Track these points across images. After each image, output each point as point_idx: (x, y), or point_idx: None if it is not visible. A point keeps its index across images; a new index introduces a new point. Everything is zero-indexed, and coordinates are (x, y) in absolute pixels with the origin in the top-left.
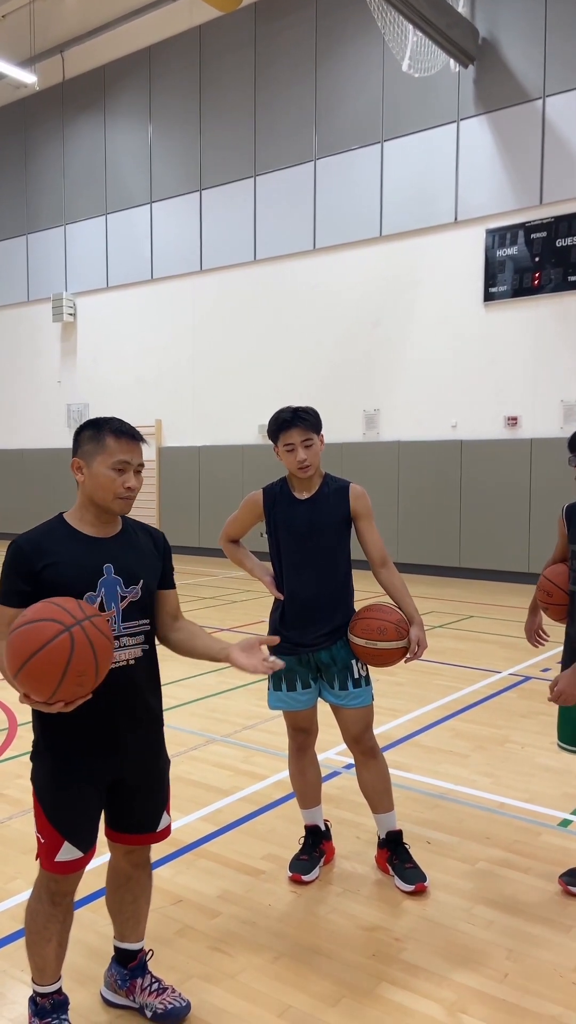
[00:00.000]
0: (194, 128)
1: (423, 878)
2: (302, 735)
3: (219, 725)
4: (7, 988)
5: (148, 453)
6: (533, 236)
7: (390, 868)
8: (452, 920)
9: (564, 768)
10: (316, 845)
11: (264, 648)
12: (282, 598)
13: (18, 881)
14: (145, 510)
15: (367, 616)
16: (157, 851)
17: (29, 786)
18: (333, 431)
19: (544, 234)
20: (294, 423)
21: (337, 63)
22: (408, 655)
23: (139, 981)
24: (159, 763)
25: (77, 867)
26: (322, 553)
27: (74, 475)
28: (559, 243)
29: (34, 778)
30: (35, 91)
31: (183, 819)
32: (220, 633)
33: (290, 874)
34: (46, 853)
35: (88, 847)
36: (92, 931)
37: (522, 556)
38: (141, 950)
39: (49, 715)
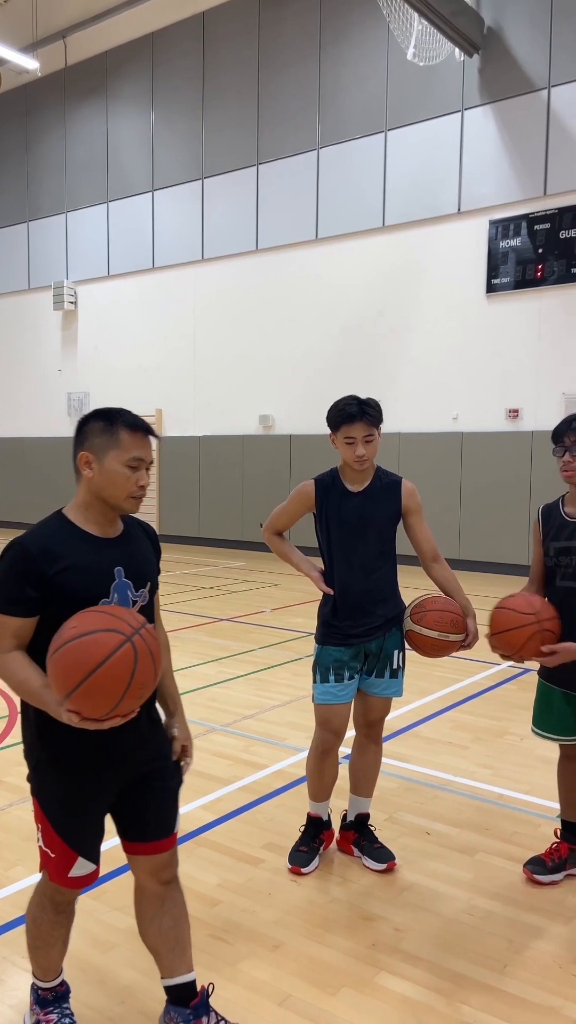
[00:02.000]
0: (197, 115)
1: (392, 857)
2: (332, 738)
3: (219, 714)
4: (8, 975)
5: (151, 456)
6: (536, 227)
7: (356, 849)
8: (452, 911)
9: None
10: (316, 835)
11: None
12: (331, 592)
13: (19, 868)
14: (146, 500)
15: (437, 608)
16: None
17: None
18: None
19: (548, 225)
20: (359, 417)
21: (341, 51)
22: (465, 645)
23: (205, 1020)
24: (170, 764)
25: (91, 880)
26: (373, 546)
27: (80, 470)
28: (563, 234)
29: (37, 792)
30: (37, 77)
31: (183, 807)
32: (219, 624)
33: (289, 866)
34: (56, 868)
35: (98, 859)
36: (94, 919)
37: (522, 548)
38: (196, 983)
39: (50, 727)
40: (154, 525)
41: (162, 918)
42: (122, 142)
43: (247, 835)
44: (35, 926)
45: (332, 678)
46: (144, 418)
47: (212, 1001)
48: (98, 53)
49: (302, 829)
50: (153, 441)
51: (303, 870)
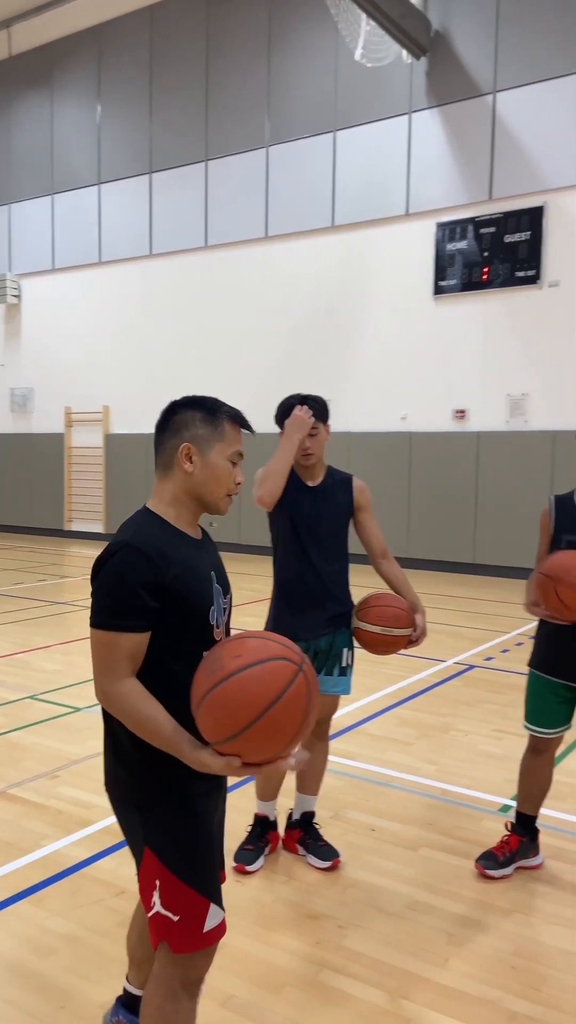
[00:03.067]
0: (144, 110)
1: (336, 854)
2: None
3: None
4: None
5: (96, 440)
6: (482, 231)
7: (301, 848)
8: (395, 907)
9: (505, 755)
10: (263, 835)
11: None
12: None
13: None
14: (90, 499)
15: (380, 604)
16: (99, 842)
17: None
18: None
19: (493, 229)
20: (301, 409)
21: (290, 49)
22: (412, 642)
23: None
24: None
25: (224, 930)
26: (326, 540)
27: (178, 463)
28: (507, 239)
29: (154, 839)
30: None
31: None
32: None
33: (235, 865)
34: (184, 931)
35: (223, 907)
36: (33, 924)
37: (468, 547)
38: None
39: (163, 755)
40: (100, 524)
41: None
42: (67, 134)
43: None
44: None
45: None
46: (90, 415)
47: None
48: (43, 44)
49: (249, 828)
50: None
51: (248, 868)
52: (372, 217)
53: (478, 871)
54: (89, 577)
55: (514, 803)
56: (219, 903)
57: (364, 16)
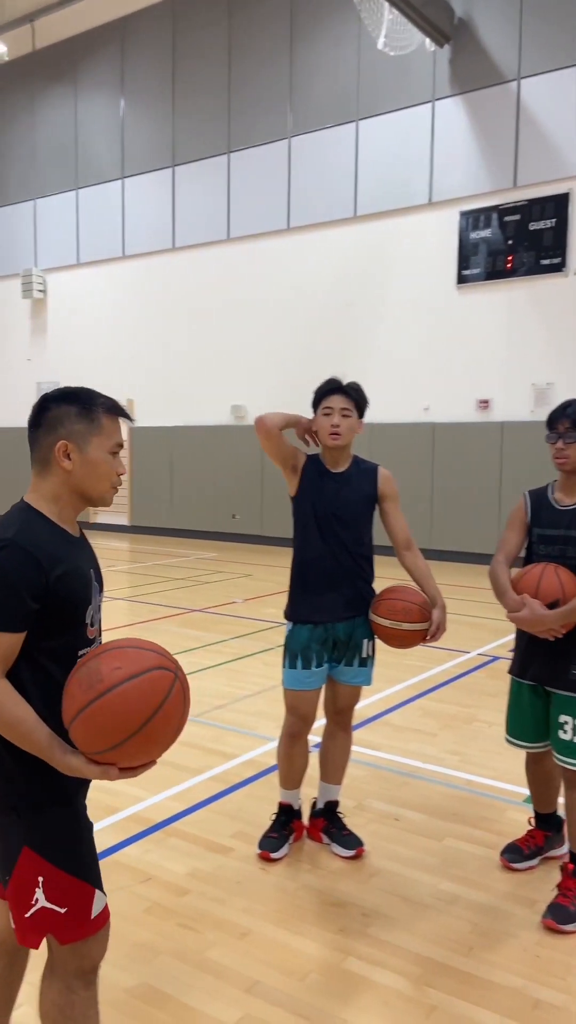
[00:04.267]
0: (167, 102)
1: (360, 843)
2: (300, 723)
3: (190, 705)
4: None
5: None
6: (506, 219)
7: (325, 837)
8: (419, 896)
9: None
10: (287, 823)
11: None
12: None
13: None
14: (118, 492)
15: (392, 597)
16: (126, 829)
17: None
18: (306, 412)
19: (517, 217)
20: (339, 390)
21: (312, 40)
22: (428, 637)
23: None
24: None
25: (108, 914)
26: (346, 527)
27: (55, 461)
28: (532, 226)
29: (33, 839)
30: (4, 61)
31: (152, 798)
32: (191, 615)
33: (259, 852)
34: (71, 920)
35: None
36: None
37: (492, 538)
38: None
39: (38, 760)
40: (125, 516)
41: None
42: (91, 128)
43: (217, 824)
44: (65, 1018)
45: (300, 664)
46: None
47: (176, 992)
48: (67, 37)
49: (273, 817)
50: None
51: (272, 855)
52: (394, 207)
53: (503, 864)
54: None
55: None
56: (101, 888)
57: (386, 4)
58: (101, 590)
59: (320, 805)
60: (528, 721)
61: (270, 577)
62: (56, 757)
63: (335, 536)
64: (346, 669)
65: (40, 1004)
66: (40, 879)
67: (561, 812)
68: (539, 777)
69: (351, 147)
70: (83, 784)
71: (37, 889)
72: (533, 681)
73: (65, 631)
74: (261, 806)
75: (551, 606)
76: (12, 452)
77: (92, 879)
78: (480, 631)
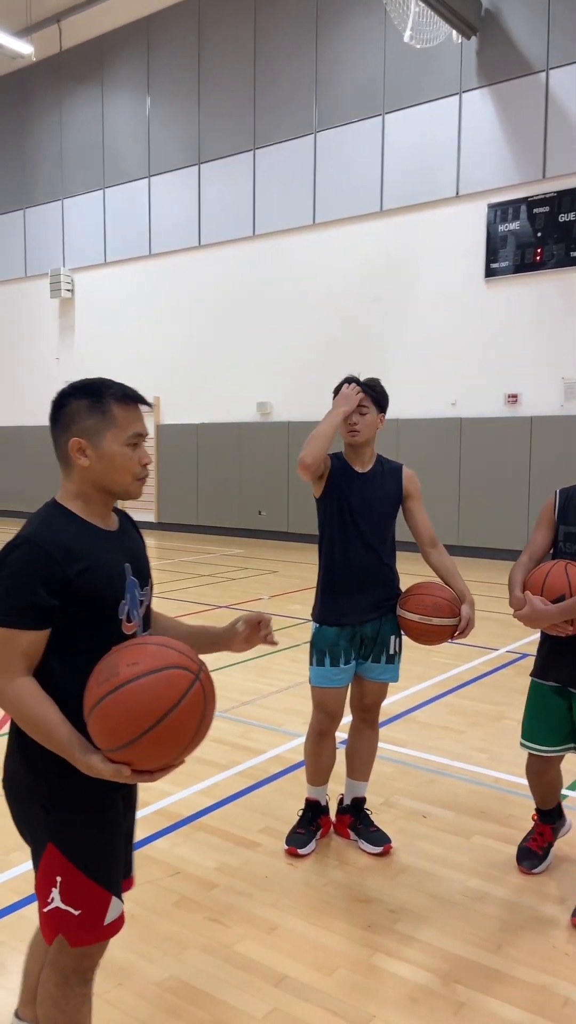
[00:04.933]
0: (193, 100)
1: (388, 840)
2: (327, 720)
3: (217, 701)
4: (7, 958)
5: (147, 430)
6: (535, 211)
7: (352, 833)
8: (447, 893)
9: None
10: (314, 819)
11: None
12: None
13: (17, 853)
14: (145, 489)
15: (421, 592)
16: (154, 824)
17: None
18: (329, 407)
19: (546, 209)
20: (356, 385)
21: (338, 34)
22: (457, 633)
23: None
24: (135, 797)
25: (123, 922)
26: (373, 526)
27: (72, 459)
28: (562, 218)
29: (57, 837)
30: (31, 62)
31: (181, 792)
32: (217, 611)
33: (286, 847)
34: (84, 924)
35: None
36: None
37: (521, 534)
38: None
39: (66, 760)
40: (152, 514)
41: None
42: (118, 128)
43: (244, 819)
44: (59, 1011)
45: (328, 661)
46: (144, 406)
47: (204, 985)
48: (93, 37)
49: (300, 813)
50: (144, 410)
51: (300, 851)
52: (421, 200)
53: (521, 872)
54: None
55: (570, 792)
56: (120, 896)
57: None
58: (144, 584)
59: (347, 801)
60: (548, 725)
61: (296, 574)
62: (76, 756)
63: (362, 537)
64: (373, 666)
65: (38, 993)
66: (58, 879)
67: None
68: (543, 782)
69: (377, 141)
70: (119, 787)
71: (54, 888)
72: (555, 683)
73: (96, 627)
74: (288, 802)
75: (557, 602)
76: (44, 450)
77: (110, 885)
78: (509, 628)
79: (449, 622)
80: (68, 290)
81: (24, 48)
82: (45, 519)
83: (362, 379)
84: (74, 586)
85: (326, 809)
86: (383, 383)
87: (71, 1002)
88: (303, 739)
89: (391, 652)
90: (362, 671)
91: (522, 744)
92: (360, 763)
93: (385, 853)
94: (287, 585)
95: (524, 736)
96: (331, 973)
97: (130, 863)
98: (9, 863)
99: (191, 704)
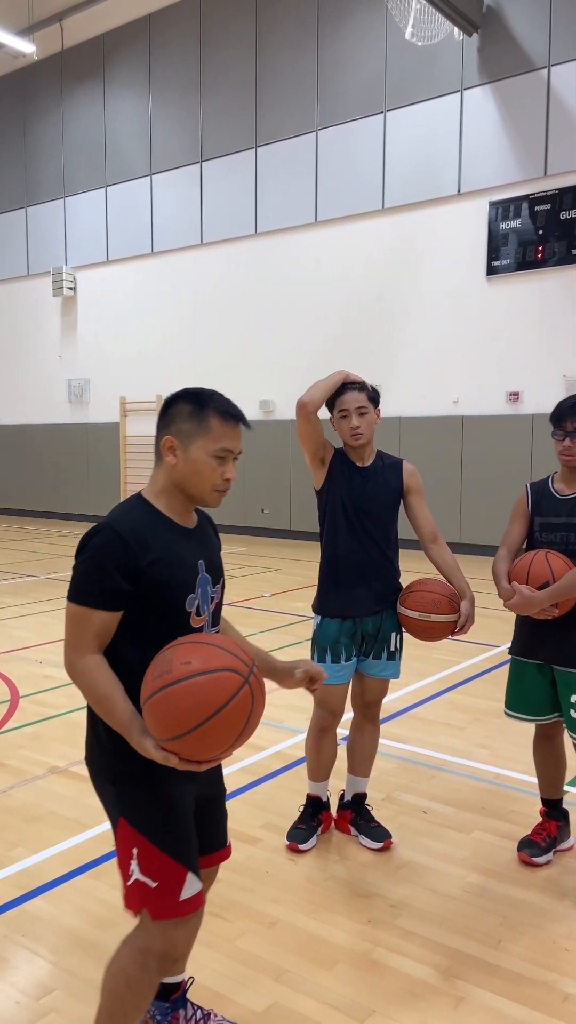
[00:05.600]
0: (194, 98)
1: (389, 835)
2: (328, 716)
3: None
4: (10, 953)
5: (150, 429)
6: (537, 208)
7: (353, 828)
8: (447, 888)
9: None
10: (315, 815)
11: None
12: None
13: (20, 849)
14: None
15: (420, 589)
16: None
17: (33, 757)
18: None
19: (548, 206)
20: (349, 388)
21: (339, 31)
22: (457, 629)
23: (182, 1013)
24: (220, 771)
25: (201, 901)
26: (374, 522)
27: (163, 455)
28: (563, 215)
29: (127, 810)
30: (34, 61)
31: None
32: None
33: (287, 843)
34: (162, 897)
35: (200, 878)
36: (94, 898)
37: None
38: (183, 981)
39: None
40: None
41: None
42: (120, 126)
43: (246, 815)
44: (129, 990)
45: (330, 658)
46: (144, 404)
47: (205, 979)
48: (95, 36)
49: (301, 809)
50: (244, 431)
51: (301, 847)
52: (423, 198)
53: (523, 860)
54: (74, 553)
55: (570, 788)
56: (197, 873)
57: None
58: (216, 582)
59: (348, 797)
60: (531, 697)
61: (298, 571)
62: (134, 736)
63: (364, 530)
64: (374, 662)
65: (110, 965)
66: (135, 850)
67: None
68: (548, 757)
69: (379, 139)
70: (183, 779)
71: (132, 861)
72: (542, 662)
73: (163, 617)
74: (290, 798)
75: (542, 588)
76: (46, 448)
77: (185, 860)
78: (510, 625)
79: (448, 619)
80: (70, 288)
81: (26, 47)
82: (127, 510)
83: (350, 379)
84: (145, 575)
85: (327, 805)
86: (387, 380)
87: (143, 985)
88: (304, 735)
89: (392, 649)
90: (363, 668)
91: (507, 714)
92: (361, 759)
93: (386, 848)
94: (290, 583)
95: (508, 707)
96: (331, 967)
97: (223, 834)
98: (11, 859)
99: (238, 706)
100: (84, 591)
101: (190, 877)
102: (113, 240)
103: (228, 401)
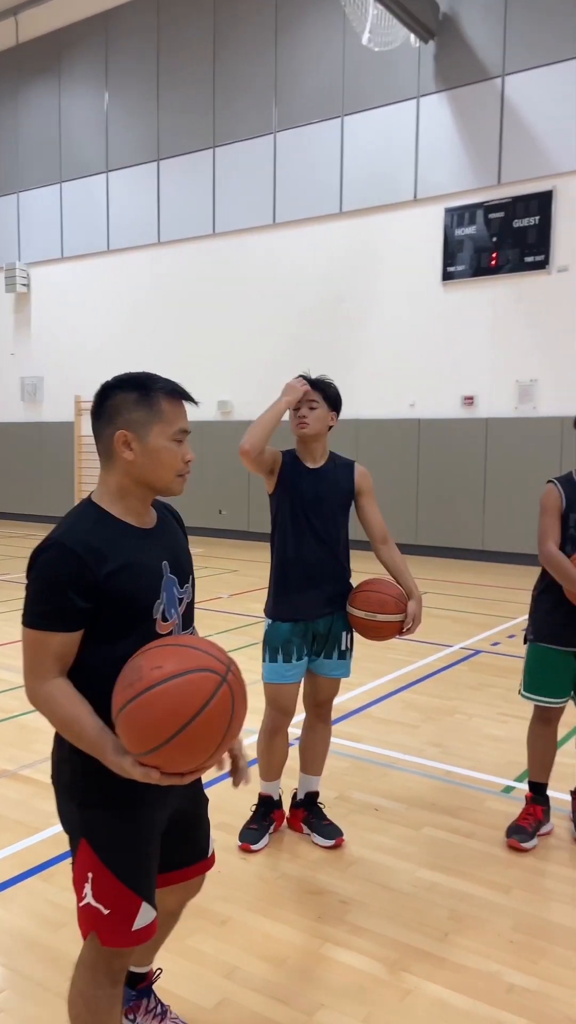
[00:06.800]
0: (152, 96)
1: (340, 833)
2: (280, 716)
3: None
4: None
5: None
6: (491, 216)
7: (305, 827)
8: (396, 883)
9: (509, 737)
10: (267, 814)
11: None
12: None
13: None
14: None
15: (367, 589)
16: None
17: (8, 754)
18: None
19: (502, 214)
20: (306, 382)
21: (297, 34)
22: (403, 629)
23: (144, 1003)
24: (198, 785)
25: (153, 931)
26: (325, 523)
27: (115, 452)
28: (516, 223)
29: (89, 834)
30: None
31: None
32: None
33: (240, 844)
34: (114, 925)
35: (155, 907)
36: (43, 899)
37: (477, 534)
38: (151, 970)
39: (98, 762)
40: None
41: (166, 929)
42: (75, 122)
43: None
44: (89, 1011)
45: (281, 658)
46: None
47: (161, 964)
48: (50, 31)
49: (253, 808)
50: (188, 407)
51: (253, 847)
52: (380, 203)
53: (512, 845)
54: (25, 571)
55: (517, 784)
56: (152, 903)
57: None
58: (184, 583)
59: (301, 796)
60: (556, 681)
61: (256, 572)
62: (108, 756)
63: (314, 532)
64: (325, 662)
65: (70, 989)
66: (90, 875)
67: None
68: (542, 740)
69: (337, 143)
70: (156, 793)
71: (87, 884)
72: (573, 648)
73: (129, 627)
74: (242, 798)
75: None
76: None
77: (141, 890)
78: (463, 625)
79: (394, 618)
80: (24, 285)
81: None
82: (77, 519)
83: (315, 378)
84: (104, 588)
85: (279, 803)
86: (344, 383)
87: (101, 1002)
88: (256, 736)
89: (343, 648)
90: (314, 667)
91: (526, 696)
92: (313, 758)
93: (337, 846)
94: (247, 584)
95: (527, 689)
96: (281, 964)
97: (204, 844)
98: None
99: (218, 707)
100: (37, 613)
101: (144, 907)
102: (68, 236)
103: (169, 380)
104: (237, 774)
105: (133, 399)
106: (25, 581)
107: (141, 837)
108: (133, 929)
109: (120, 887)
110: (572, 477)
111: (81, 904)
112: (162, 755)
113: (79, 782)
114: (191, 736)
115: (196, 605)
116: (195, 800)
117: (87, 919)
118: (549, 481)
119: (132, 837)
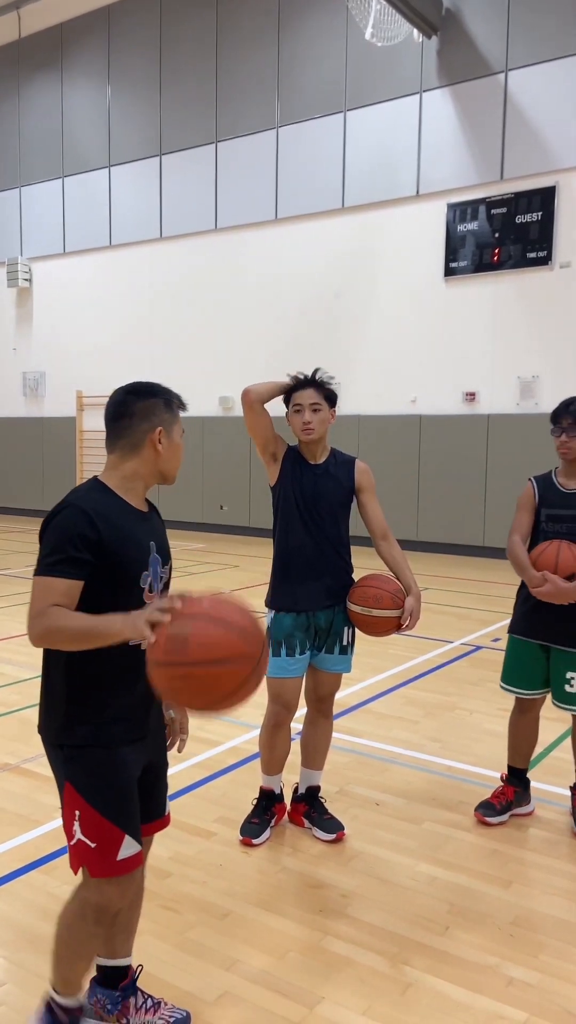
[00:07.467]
0: (154, 91)
1: (341, 827)
2: (283, 711)
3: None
4: None
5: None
6: (493, 212)
7: (307, 821)
8: (397, 877)
9: None
10: (268, 808)
11: None
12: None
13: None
14: None
15: (365, 584)
16: None
17: (10, 748)
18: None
19: (504, 210)
20: (308, 384)
21: (300, 29)
22: (401, 625)
23: (132, 1001)
24: (165, 741)
25: (138, 862)
26: (325, 518)
27: (151, 445)
28: (519, 219)
29: (73, 774)
30: None
31: None
32: None
33: (241, 838)
34: (101, 856)
35: (140, 842)
36: (44, 892)
37: (478, 530)
38: (130, 966)
39: (91, 699)
40: None
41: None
42: (78, 116)
43: (200, 810)
44: (68, 933)
45: (284, 652)
46: (100, 399)
47: (156, 970)
48: (53, 25)
49: (254, 802)
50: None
51: (254, 841)
52: (382, 198)
53: (477, 819)
54: (38, 535)
55: (542, 785)
56: (135, 836)
57: None
58: (166, 563)
59: (302, 790)
60: (528, 673)
61: (257, 568)
62: (122, 626)
63: (316, 526)
64: (327, 657)
65: (58, 919)
66: (77, 813)
67: (540, 797)
68: (523, 728)
69: (339, 138)
70: (134, 734)
71: (75, 822)
72: (544, 641)
73: (117, 591)
74: (244, 792)
75: (568, 579)
76: (0, 442)
77: (123, 824)
78: (465, 621)
79: (391, 614)
80: (26, 280)
81: None
82: (88, 491)
83: (316, 375)
84: (105, 548)
85: (281, 797)
86: (346, 378)
87: (81, 932)
88: (259, 730)
89: (344, 643)
90: (316, 662)
91: (503, 687)
92: (315, 753)
93: (338, 840)
94: (248, 579)
95: (505, 680)
96: (282, 957)
97: (163, 802)
98: None
99: (246, 688)
100: (49, 563)
101: (127, 840)
102: (70, 232)
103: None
104: (174, 736)
105: (162, 404)
106: (40, 542)
107: (120, 776)
108: (118, 859)
109: (103, 822)
110: (550, 475)
111: (72, 843)
112: (177, 671)
113: (63, 728)
114: (201, 675)
115: None
116: (162, 757)
117: (77, 855)
118: (530, 479)
119: (111, 776)
